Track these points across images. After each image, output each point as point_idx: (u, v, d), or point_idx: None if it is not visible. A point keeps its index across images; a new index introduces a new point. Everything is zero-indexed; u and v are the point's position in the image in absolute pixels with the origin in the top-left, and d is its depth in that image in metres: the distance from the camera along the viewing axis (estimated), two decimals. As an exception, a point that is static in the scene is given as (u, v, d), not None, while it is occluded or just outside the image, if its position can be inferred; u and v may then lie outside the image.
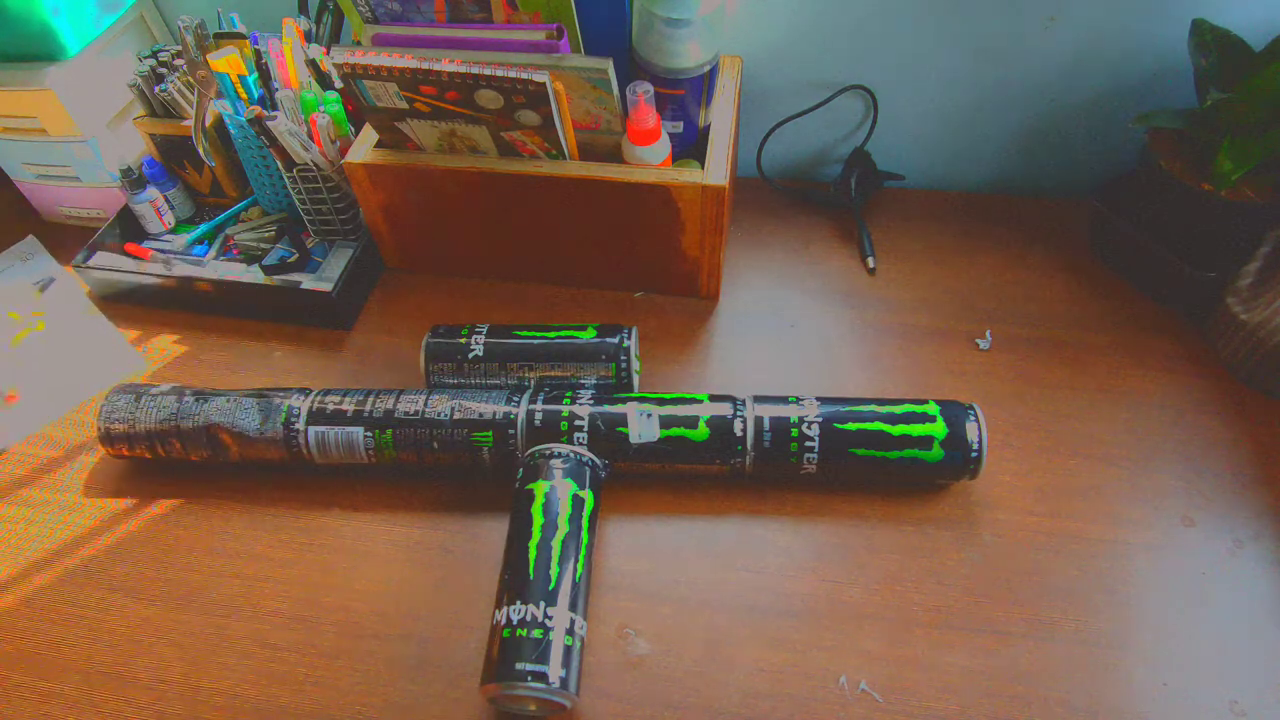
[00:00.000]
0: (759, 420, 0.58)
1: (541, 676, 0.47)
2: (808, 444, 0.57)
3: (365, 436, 0.59)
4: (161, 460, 0.63)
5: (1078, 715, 0.50)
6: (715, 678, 0.52)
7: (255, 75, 0.72)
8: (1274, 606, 0.54)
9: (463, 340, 0.64)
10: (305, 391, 0.61)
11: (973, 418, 0.58)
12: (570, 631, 0.49)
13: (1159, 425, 0.64)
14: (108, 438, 0.62)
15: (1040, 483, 0.61)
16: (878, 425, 0.57)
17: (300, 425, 0.59)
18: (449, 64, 0.59)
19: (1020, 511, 0.59)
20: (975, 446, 0.57)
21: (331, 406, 0.60)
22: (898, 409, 0.58)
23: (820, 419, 0.58)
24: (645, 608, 0.56)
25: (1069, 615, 0.54)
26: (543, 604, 0.49)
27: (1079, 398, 0.66)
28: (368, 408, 0.60)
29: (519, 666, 0.47)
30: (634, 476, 0.61)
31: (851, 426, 0.57)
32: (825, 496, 0.61)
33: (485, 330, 0.64)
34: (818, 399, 0.59)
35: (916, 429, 0.57)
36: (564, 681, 0.47)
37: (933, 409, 0.58)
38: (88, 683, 0.54)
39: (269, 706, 0.52)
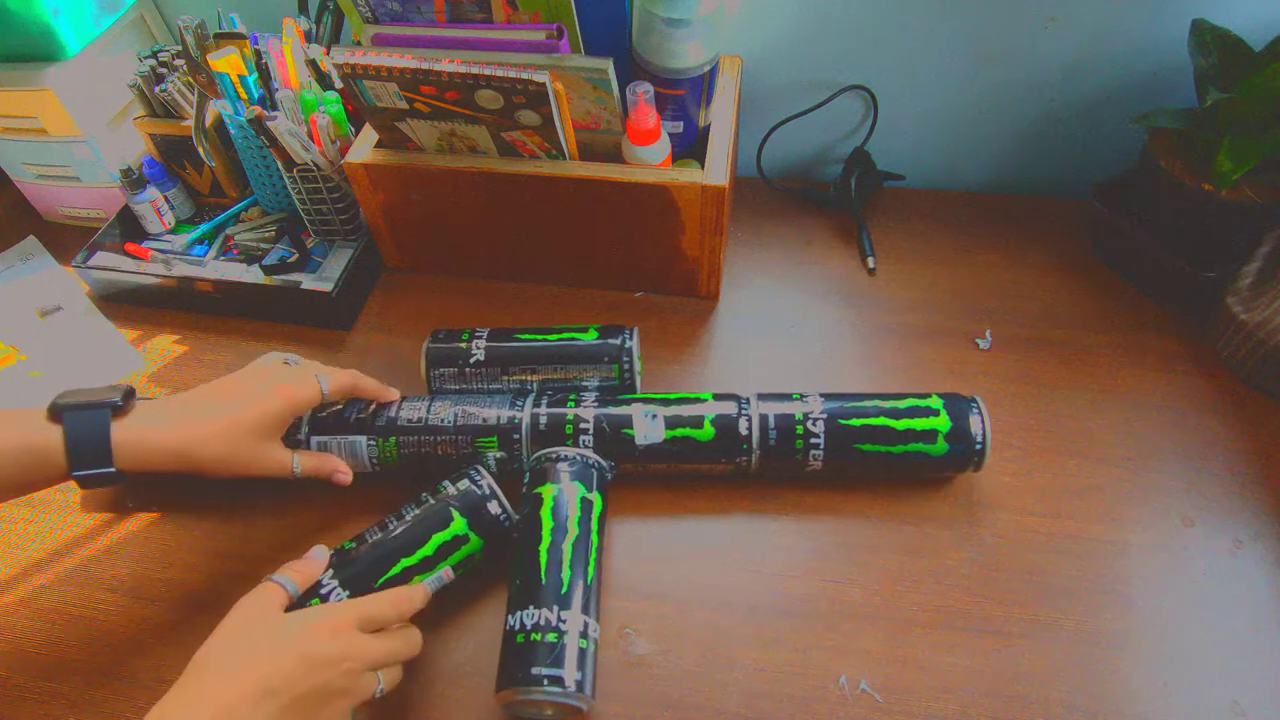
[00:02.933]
0: (764, 418, 0.58)
1: (558, 680, 0.47)
2: (813, 440, 0.57)
3: (369, 445, 0.59)
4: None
5: (1078, 715, 0.50)
6: (715, 678, 0.52)
7: (255, 75, 0.72)
8: (1274, 606, 0.54)
9: (463, 345, 0.64)
10: None
11: (975, 410, 0.58)
12: (584, 634, 0.49)
13: (1159, 425, 0.64)
14: None
15: (1040, 483, 0.61)
16: (882, 420, 0.57)
17: (302, 434, 0.59)
18: (449, 64, 0.59)
19: (1020, 511, 0.59)
20: (979, 439, 0.57)
21: (334, 415, 0.60)
22: (901, 403, 0.58)
23: (825, 415, 0.58)
24: (645, 608, 0.56)
25: (1069, 615, 0.54)
26: (556, 608, 0.49)
27: (1079, 398, 0.66)
28: (370, 416, 0.59)
29: (535, 671, 0.47)
30: (637, 477, 0.61)
31: (856, 422, 0.58)
32: (826, 496, 0.61)
33: (486, 334, 0.64)
34: (821, 395, 0.59)
35: (920, 423, 0.57)
36: (580, 684, 0.47)
37: (936, 403, 0.58)
38: (88, 683, 0.54)
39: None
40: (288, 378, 0.56)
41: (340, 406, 0.60)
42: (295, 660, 0.43)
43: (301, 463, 0.56)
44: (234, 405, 0.53)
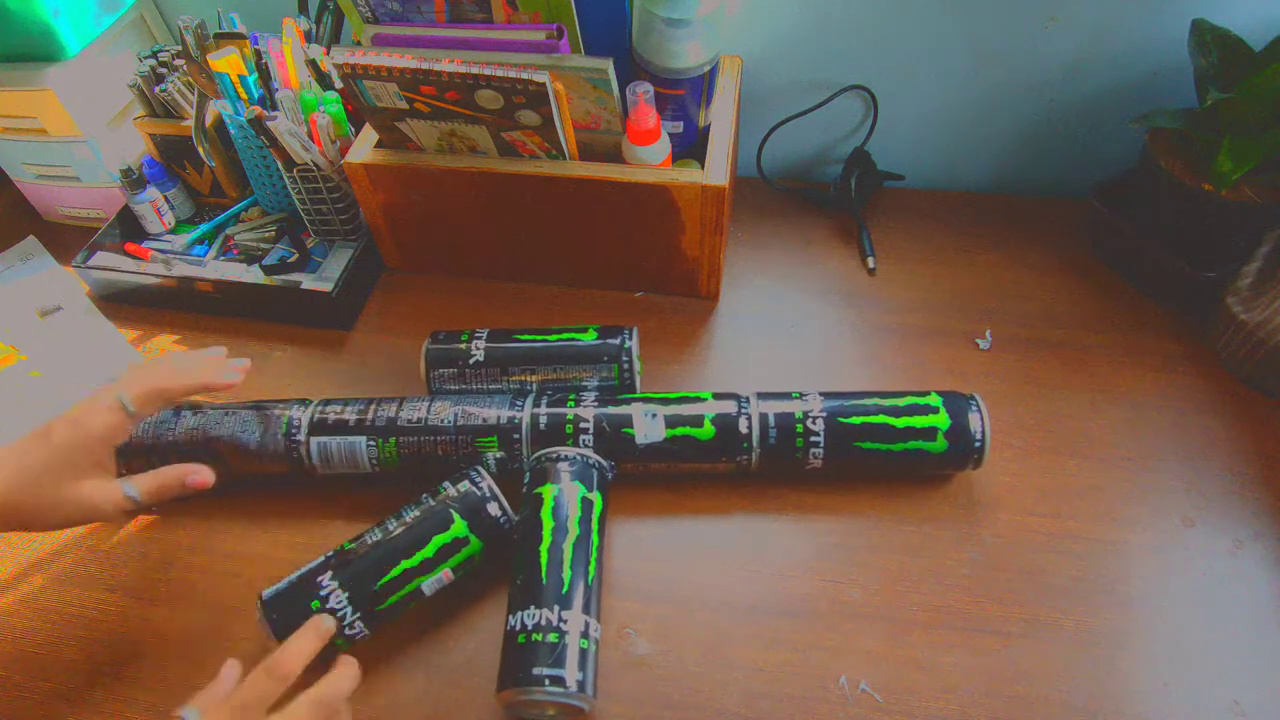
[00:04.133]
0: (764, 417, 0.58)
1: (559, 680, 0.47)
2: (813, 439, 0.57)
3: (368, 445, 0.59)
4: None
5: (1078, 715, 0.50)
6: (715, 678, 0.52)
7: (255, 75, 0.72)
8: (1274, 606, 0.54)
9: (463, 345, 0.64)
10: (305, 402, 0.61)
11: (974, 408, 0.58)
12: (585, 634, 0.49)
13: (1159, 425, 0.64)
14: None
15: (1040, 483, 0.61)
16: (882, 418, 0.57)
17: (301, 436, 0.59)
18: (449, 64, 0.59)
19: (1020, 511, 0.59)
20: (978, 436, 0.57)
21: (333, 417, 0.59)
22: (900, 401, 0.58)
23: (825, 414, 0.58)
24: (645, 608, 0.56)
25: (1069, 615, 0.54)
26: (557, 608, 0.49)
27: (1079, 398, 0.66)
28: (370, 416, 0.59)
29: (536, 671, 0.47)
30: (637, 477, 0.61)
31: (856, 420, 0.58)
32: (826, 495, 0.61)
33: (485, 335, 0.64)
34: (821, 394, 0.59)
35: (920, 420, 0.57)
36: (581, 684, 0.47)
37: (935, 400, 0.58)
38: (88, 683, 0.54)
39: (269, 707, 0.52)
40: (77, 406, 0.49)
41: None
42: None
43: (138, 488, 0.49)
44: (18, 453, 0.47)
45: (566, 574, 0.50)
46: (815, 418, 0.58)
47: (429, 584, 0.52)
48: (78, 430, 0.48)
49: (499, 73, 0.59)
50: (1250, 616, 0.54)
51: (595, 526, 0.54)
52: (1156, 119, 0.67)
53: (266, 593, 0.51)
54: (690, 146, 0.72)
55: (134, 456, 0.60)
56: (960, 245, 0.79)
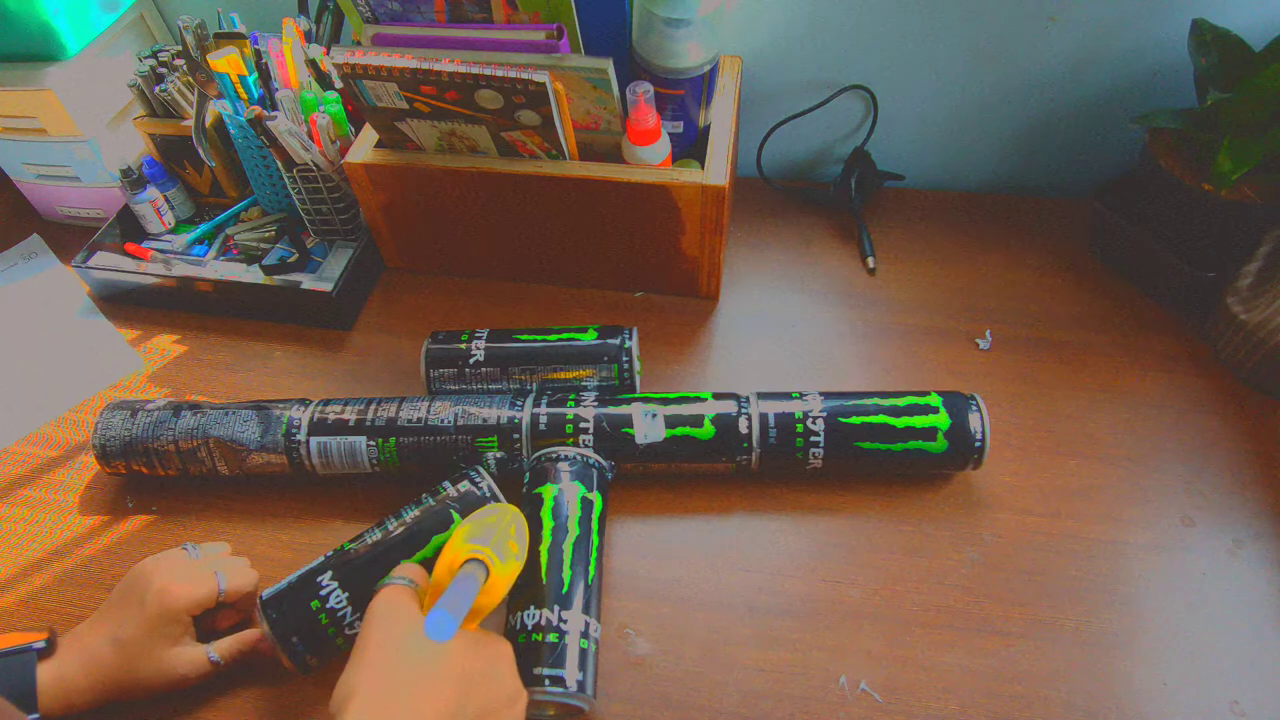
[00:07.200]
0: (764, 417, 0.58)
1: (560, 681, 0.47)
2: (813, 439, 0.57)
3: (368, 445, 0.59)
4: (160, 476, 0.63)
5: (1078, 715, 0.50)
6: (715, 678, 0.52)
7: (255, 75, 0.72)
8: (1274, 606, 0.54)
9: (463, 345, 0.64)
10: (305, 402, 0.61)
11: (975, 408, 0.58)
12: (585, 634, 0.49)
13: (1159, 425, 0.64)
14: (104, 456, 0.61)
15: (1040, 483, 0.61)
16: (882, 418, 0.57)
17: (301, 436, 0.59)
18: (449, 64, 0.59)
19: (1020, 511, 0.59)
20: (978, 436, 0.57)
21: (333, 416, 0.59)
22: (900, 401, 0.58)
23: (825, 414, 0.58)
24: (645, 608, 0.56)
25: (1069, 615, 0.54)
26: (557, 608, 0.49)
27: (1079, 398, 0.66)
28: (370, 416, 0.59)
29: (536, 671, 0.47)
30: (637, 477, 0.61)
31: (856, 420, 0.58)
32: (826, 495, 0.61)
33: (485, 335, 0.64)
34: (821, 394, 0.59)
35: (920, 420, 0.57)
36: (581, 685, 0.47)
37: (935, 400, 0.58)
38: (88, 683, 0.54)
39: (270, 707, 0.52)
40: (174, 575, 0.51)
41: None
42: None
43: (220, 653, 0.51)
44: (115, 624, 0.50)
45: (566, 574, 0.50)
46: (815, 418, 0.58)
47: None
48: (167, 600, 0.50)
49: (499, 73, 0.59)
50: (1250, 616, 0.54)
51: (595, 526, 0.54)
52: (1156, 119, 0.67)
53: (266, 593, 0.52)
54: (690, 146, 0.72)
55: (134, 456, 0.60)
56: (960, 245, 0.79)
